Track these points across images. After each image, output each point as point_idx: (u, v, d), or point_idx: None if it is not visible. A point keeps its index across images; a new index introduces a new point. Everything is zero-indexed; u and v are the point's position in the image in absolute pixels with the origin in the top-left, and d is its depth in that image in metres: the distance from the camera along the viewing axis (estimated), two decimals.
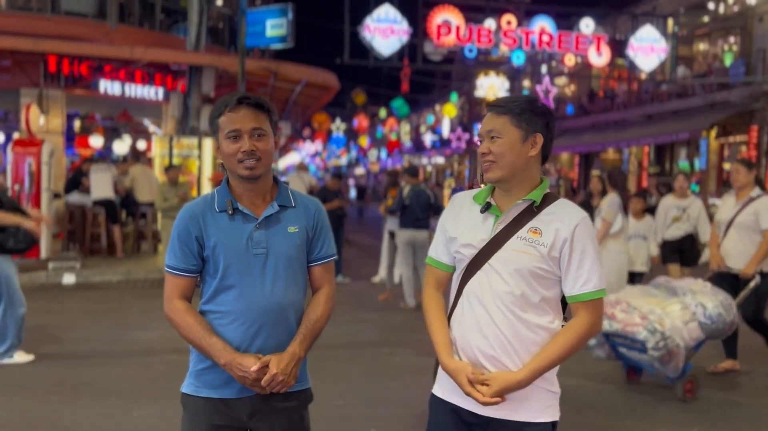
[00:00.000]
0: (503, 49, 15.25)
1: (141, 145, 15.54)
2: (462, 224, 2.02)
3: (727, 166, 17.31)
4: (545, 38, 14.99)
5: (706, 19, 18.94)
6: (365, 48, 14.37)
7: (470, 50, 14.61)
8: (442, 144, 32.71)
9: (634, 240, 6.46)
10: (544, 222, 1.94)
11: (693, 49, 20.46)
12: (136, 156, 14.00)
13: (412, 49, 14.84)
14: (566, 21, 16.77)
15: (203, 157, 12.31)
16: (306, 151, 43.62)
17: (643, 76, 17.89)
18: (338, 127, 41.35)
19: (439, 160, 37.14)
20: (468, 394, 1.91)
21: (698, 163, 19.27)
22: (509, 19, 15.01)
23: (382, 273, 9.21)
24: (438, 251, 2.10)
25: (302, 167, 13.43)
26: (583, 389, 4.81)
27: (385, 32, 14.13)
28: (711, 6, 17.48)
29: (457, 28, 14.42)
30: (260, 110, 2.05)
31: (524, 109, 1.95)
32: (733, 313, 4.62)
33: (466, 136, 28.67)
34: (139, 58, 11.91)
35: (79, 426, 4.11)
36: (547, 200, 1.97)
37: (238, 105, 2.02)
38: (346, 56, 14.54)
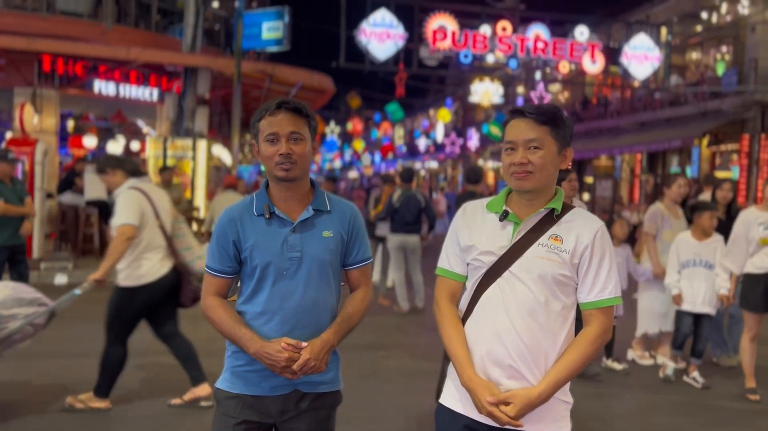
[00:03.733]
0: (498, 55, 15.32)
1: (135, 145, 15.48)
2: (478, 232, 2.00)
3: (719, 173, 17.41)
4: (540, 45, 15.07)
5: (699, 28, 19.09)
6: (361, 52, 14.40)
7: (465, 56, 14.67)
8: (436, 149, 32.77)
9: (691, 269, 5.02)
10: (564, 230, 1.95)
11: (686, 58, 20.62)
12: (131, 157, 13.94)
13: (407, 54, 14.89)
14: (560, 28, 16.86)
15: (197, 159, 12.30)
16: None
17: (636, 84, 18.01)
18: (332, 131, 41.35)
19: (433, 164, 37.21)
20: (489, 415, 1.87)
21: (690, 171, 19.40)
22: (504, 26, 15.09)
23: (375, 277, 9.22)
24: (450, 261, 2.07)
25: None
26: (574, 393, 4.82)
27: (381, 37, 14.17)
28: (704, 15, 17.63)
29: (453, 34, 14.48)
30: (299, 115, 2.11)
31: (560, 120, 1.95)
32: None
33: (460, 141, 28.73)
34: (134, 59, 11.89)
35: (71, 427, 4.09)
36: (565, 209, 1.99)
37: (278, 109, 2.09)
38: (341, 60, 14.56)
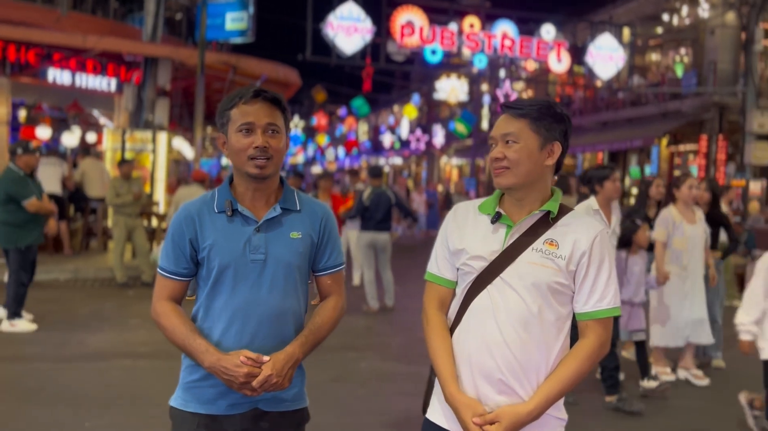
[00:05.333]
0: (465, 52, 15.28)
1: (91, 137, 14.95)
2: (469, 235, 1.86)
3: (677, 173, 17.78)
4: (507, 43, 15.09)
5: (660, 30, 19.44)
6: (327, 45, 14.17)
7: (433, 52, 14.57)
8: (401, 145, 32.72)
9: None
10: (560, 234, 1.81)
11: (647, 59, 21.00)
12: (86, 149, 13.45)
13: (374, 49, 14.72)
14: (525, 26, 16.93)
15: (157, 152, 11.92)
16: None
17: (599, 84, 18.24)
18: (296, 125, 40.86)
19: (397, 160, 37.15)
20: None
21: (649, 170, 19.79)
22: (472, 22, 15.05)
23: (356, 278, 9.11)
24: (440, 266, 1.92)
25: None
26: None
27: (348, 30, 13.96)
28: (665, 18, 17.94)
29: (421, 29, 14.37)
30: (276, 106, 1.93)
31: (544, 114, 1.82)
32: None
33: (426, 137, 28.71)
34: (91, 47, 11.42)
35: None
36: (562, 211, 1.85)
37: (255, 97, 1.90)
38: (307, 53, 14.31)
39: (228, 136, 1.93)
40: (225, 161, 30.55)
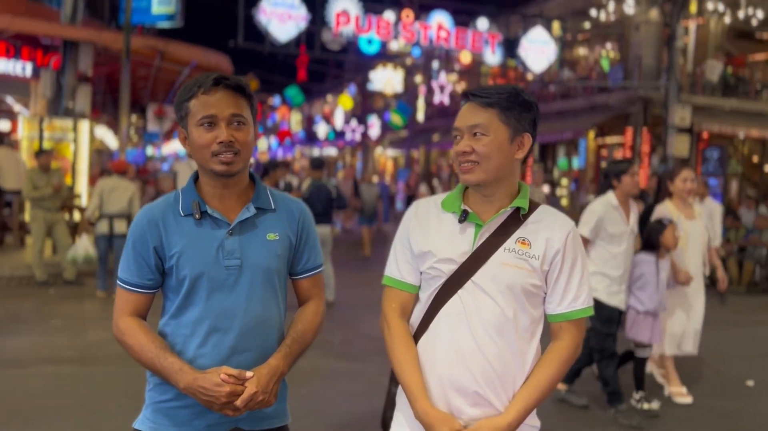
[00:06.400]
0: (401, 42, 15.19)
1: (4, 125, 14.01)
2: (434, 236, 1.73)
3: (604, 165, 18.40)
4: (443, 34, 15.10)
5: (588, 25, 20.00)
6: (260, 32, 13.74)
7: (369, 42, 14.40)
8: (335, 135, 32.42)
9: None
10: (531, 232, 1.71)
11: (575, 53, 21.58)
12: (0, 138, 12.57)
13: (309, 37, 14.41)
14: (458, 18, 17.00)
15: (79, 141, 11.26)
16: None
17: (531, 77, 18.58)
18: None
19: (332, 151, 36.83)
20: None
21: (576, 162, 20.39)
22: (408, 13, 14.97)
23: None
24: (401, 270, 1.78)
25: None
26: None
27: (282, 17, 13.58)
28: (593, 13, 18.45)
29: (357, 18, 14.17)
30: (240, 94, 1.72)
31: (513, 102, 1.69)
32: None
33: (361, 128, 28.53)
34: (4, 28, 10.61)
35: None
36: (531, 207, 1.74)
37: (215, 86, 1.69)
38: (239, 39, 13.83)
39: (188, 131, 1.73)
40: (150, 151, 29.36)
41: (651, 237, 4.43)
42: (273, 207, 1.80)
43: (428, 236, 1.73)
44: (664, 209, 4.72)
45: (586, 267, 1.76)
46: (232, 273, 1.71)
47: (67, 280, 8.14)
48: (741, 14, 17.07)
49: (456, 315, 1.68)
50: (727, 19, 17.56)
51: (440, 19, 15.19)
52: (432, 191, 12.09)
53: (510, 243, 1.69)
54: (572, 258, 1.72)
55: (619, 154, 18.64)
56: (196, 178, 1.80)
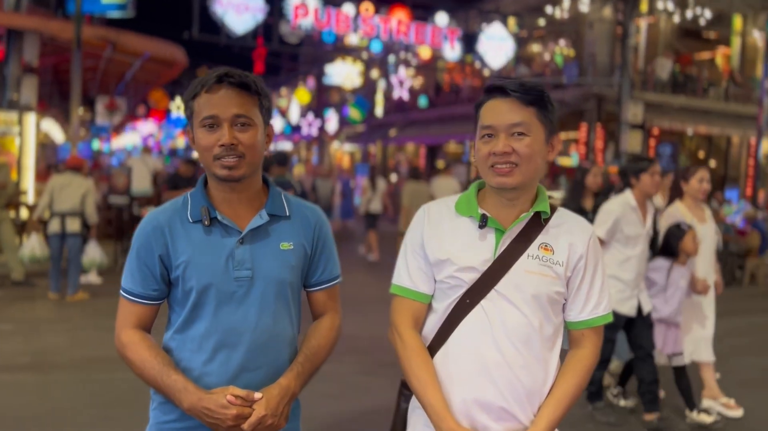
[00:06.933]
0: (360, 35, 15.04)
1: None
2: (451, 242, 1.62)
3: (562, 160, 18.70)
4: (402, 28, 15.02)
5: (542, 21, 20.27)
6: (216, 23, 13.37)
7: (329, 35, 14.20)
8: (291, 129, 32.00)
9: None
10: (553, 237, 1.63)
11: (530, 50, 21.86)
12: None
13: (267, 29, 14.10)
14: (416, 12, 16.95)
15: (24, 135, 10.75)
16: (140, 131, 40.47)
17: (487, 73, 18.72)
18: (178, 107, 38.76)
19: (287, 146, 36.36)
20: None
21: None
22: (368, 6, 14.83)
23: None
24: (414, 278, 1.66)
25: (147, 150, 12.30)
26: None
27: (238, 8, 13.23)
28: (548, 10, 18.70)
29: (316, 11, 13.95)
30: (246, 92, 1.59)
31: (547, 101, 1.60)
32: None
33: (318, 122, 28.23)
34: None
35: None
36: (550, 210, 1.67)
37: (218, 84, 1.56)
38: (194, 31, 13.42)
39: (193, 132, 1.60)
40: (97, 145, 28.33)
41: (670, 243, 4.18)
42: (287, 214, 1.68)
43: (444, 243, 1.62)
44: (676, 211, 4.41)
45: (605, 272, 1.71)
46: (242, 284, 1.60)
47: (16, 281, 7.73)
48: (689, 13, 17.60)
49: (479, 327, 1.58)
50: (677, 18, 18.07)
51: (399, 14, 15.12)
52: (374, 186, 12.01)
53: (533, 249, 1.61)
54: (594, 263, 1.65)
55: (574, 150, 18.99)
56: (206, 181, 1.66)
